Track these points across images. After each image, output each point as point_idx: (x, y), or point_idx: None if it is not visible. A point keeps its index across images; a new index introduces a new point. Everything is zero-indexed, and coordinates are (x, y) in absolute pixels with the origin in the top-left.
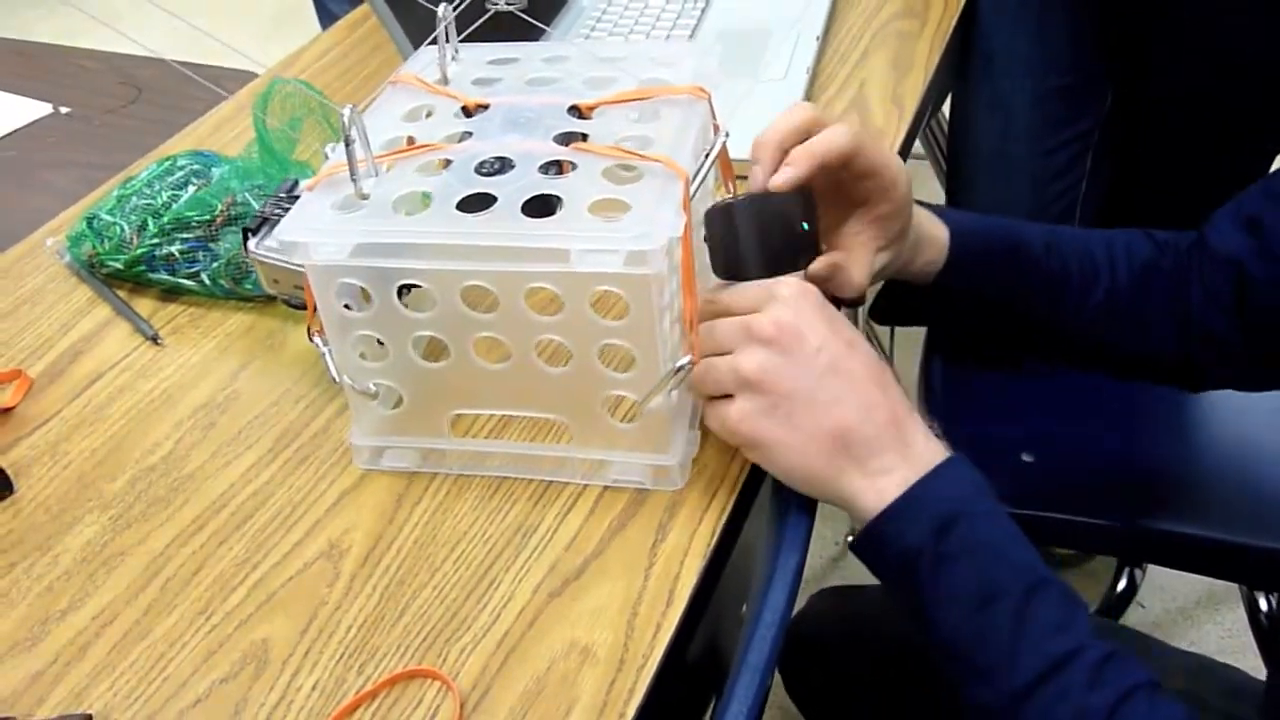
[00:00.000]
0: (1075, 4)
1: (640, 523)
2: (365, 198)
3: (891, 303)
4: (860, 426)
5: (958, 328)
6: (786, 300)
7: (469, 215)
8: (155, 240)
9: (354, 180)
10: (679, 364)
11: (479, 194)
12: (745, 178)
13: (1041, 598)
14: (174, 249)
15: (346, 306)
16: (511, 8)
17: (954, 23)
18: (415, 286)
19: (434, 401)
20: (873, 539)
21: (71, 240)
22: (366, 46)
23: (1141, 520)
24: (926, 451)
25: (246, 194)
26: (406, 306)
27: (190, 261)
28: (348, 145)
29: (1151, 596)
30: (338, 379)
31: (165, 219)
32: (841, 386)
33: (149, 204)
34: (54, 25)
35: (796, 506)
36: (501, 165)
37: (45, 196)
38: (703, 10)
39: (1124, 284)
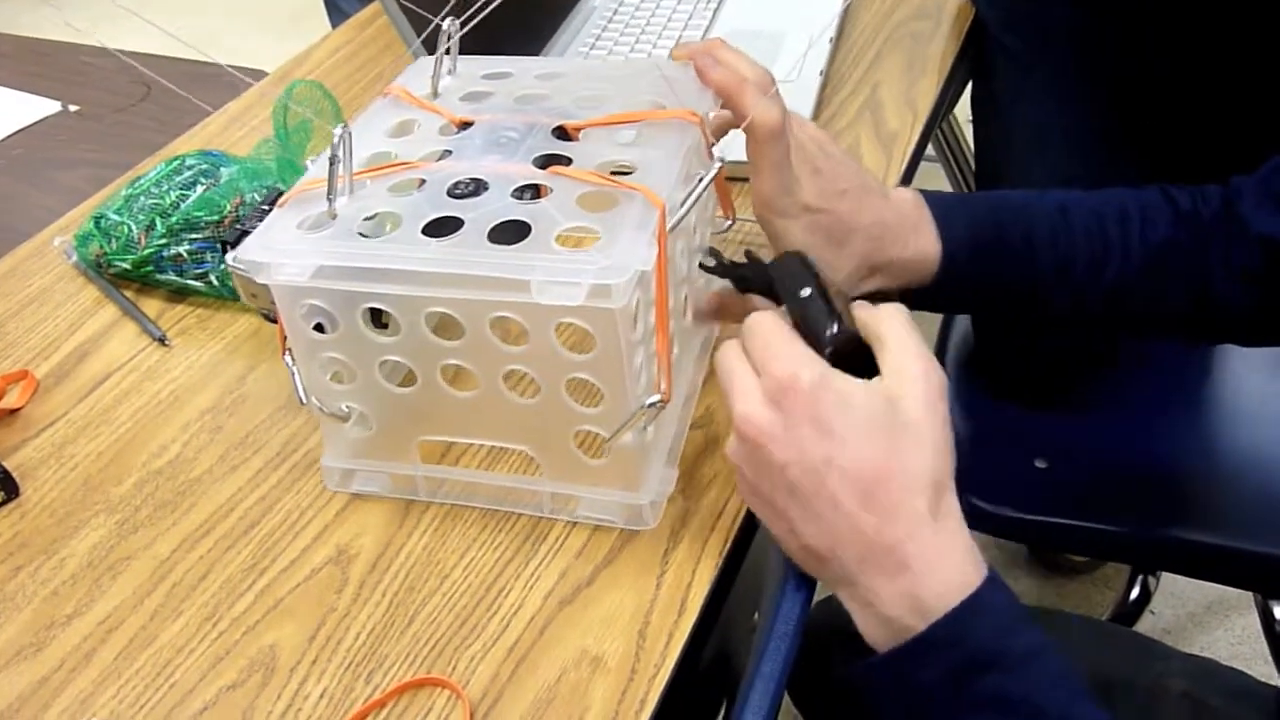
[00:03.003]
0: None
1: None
2: (334, 217)
3: None
4: (832, 553)
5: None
6: (756, 413)
7: (433, 240)
8: (163, 240)
9: (330, 199)
10: (650, 401)
11: (448, 217)
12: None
13: None
14: (182, 249)
15: (319, 327)
16: None
17: (968, 24)
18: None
19: (402, 427)
20: (874, 675)
21: (79, 240)
22: (377, 45)
23: (1155, 527)
24: (942, 576)
25: (255, 195)
26: (385, 329)
27: (198, 262)
28: (331, 164)
29: (1162, 602)
30: (305, 400)
31: (173, 219)
32: (809, 508)
33: (157, 204)
34: (63, 22)
35: None
36: (476, 187)
37: (53, 195)
38: (715, 11)
39: (1137, 263)
